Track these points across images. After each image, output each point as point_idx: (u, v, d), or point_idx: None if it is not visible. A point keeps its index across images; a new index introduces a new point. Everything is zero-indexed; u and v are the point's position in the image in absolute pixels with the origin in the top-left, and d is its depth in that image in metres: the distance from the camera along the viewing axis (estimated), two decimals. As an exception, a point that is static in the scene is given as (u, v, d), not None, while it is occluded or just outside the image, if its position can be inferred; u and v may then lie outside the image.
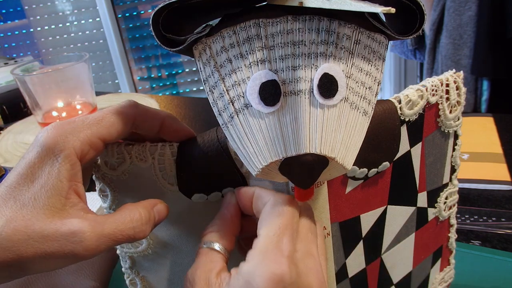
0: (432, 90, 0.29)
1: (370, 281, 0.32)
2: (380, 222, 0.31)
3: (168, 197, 0.28)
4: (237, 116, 0.22)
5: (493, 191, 0.53)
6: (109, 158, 0.27)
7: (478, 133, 0.65)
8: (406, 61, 1.98)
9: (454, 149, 0.32)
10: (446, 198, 0.34)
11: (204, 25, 0.24)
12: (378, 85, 0.23)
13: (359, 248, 0.30)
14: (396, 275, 0.34)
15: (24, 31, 2.15)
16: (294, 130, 0.21)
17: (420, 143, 0.30)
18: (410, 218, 0.32)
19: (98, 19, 2.14)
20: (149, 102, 0.93)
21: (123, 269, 0.32)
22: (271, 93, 0.21)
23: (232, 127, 0.23)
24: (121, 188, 0.28)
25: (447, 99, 0.30)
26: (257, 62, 0.22)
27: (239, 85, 0.22)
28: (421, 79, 1.49)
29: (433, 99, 0.29)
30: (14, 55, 1.98)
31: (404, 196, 0.31)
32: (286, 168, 0.22)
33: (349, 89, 0.22)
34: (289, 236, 0.22)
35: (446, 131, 0.31)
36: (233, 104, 0.23)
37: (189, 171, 0.27)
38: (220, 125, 0.24)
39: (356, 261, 0.31)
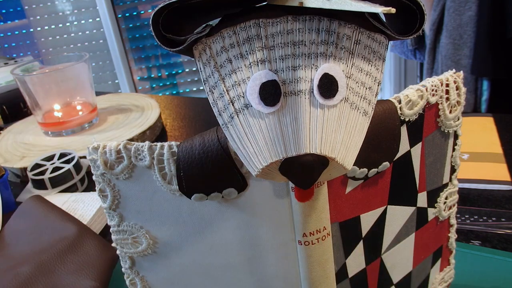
0: (432, 90, 0.29)
1: (370, 281, 0.32)
2: (380, 222, 0.31)
3: (167, 197, 0.28)
4: (237, 116, 0.22)
5: (493, 191, 0.53)
6: (108, 158, 0.27)
7: (478, 133, 0.65)
8: (406, 61, 1.99)
9: (454, 149, 0.32)
10: (446, 198, 0.34)
11: (204, 25, 0.24)
12: (378, 85, 0.23)
13: (359, 248, 0.30)
14: (396, 275, 0.34)
15: (24, 31, 2.15)
16: (294, 130, 0.21)
17: (420, 143, 0.30)
18: (410, 218, 0.32)
19: (98, 19, 2.14)
20: (149, 102, 0.93)
21: (123, 269, 0.32)
22: (271, 93, 0.21)
23: (232, 127, 0.23)
24: (120, 188, 0.28)
25: (447, 99, 0.30)
26: (257, 62, 0.22)
27: (239, 85, 0.22)
28: (421, 79, 1.49)
29: (433, 99, 0.29)
30: (14, 55, 1.98)
31: (404, 196, 0.31)
32: (286, 168, 0.22)
33: (349, 89, 0.22)
34: None
35: (446, 131, 0.31)
36: (233, 104, 0.23)
37: (189, 171, 0.27)
38: (220, 125, 0.24)
39: (356, 261, 0.31)
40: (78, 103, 0.86)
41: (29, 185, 0.66)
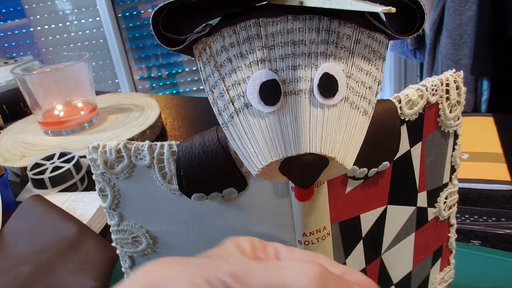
0: (432, 89, 0.29)
1: (370, 281, 0.32)
2: (380, 222, 0.31)
3: (167, 196, 0.28)
4: (237, 116, 0.22)
5: (493, 191, 0.53)
6: (108, 157, 0.27)
7: (478, 133, 0.65)
8: (406, 61, 1.99)
9: (454, 149, 0.32)
10: (446, 198, 0.34)
11: (204, 24, 0.24)
12: (378, 85, 0.23)
13: (359, 248, 0.30)
14: (396, 275, 0.34)
15: (24, 30, 2.15)
16: (294, 129, 0.21)
17: (420, 142, 0.30)
18: (410, 218, 0.32)
19: (98, 18, 2.14)
20: (149, 101, 0.93)
21: (123, 269, 0.32)
22: (271, 92, 0.21)
23: (232, 127, 0.23)
24: (120, 187, 0.28)
25: (447, 98, 0.30)
26: (257, 61, 0.22)
27: (239, 84, 0.22)
28: (421, 79, 1.49)
29: (433, 99, 0.29)
30: (14, 55, 1.98)
31: (404, 196, 0.31)
32: (286, 168, 0.22)
33: (349, 89, 0.22)
34: None
35: (446, 131, 0.31)
36: (233, 104, 0.22)
37: (189, 170, 0.27)
38: (220, 124, 0.24)
39: (356, 261, 0.31)
40: (78, 102, 0.86)
41: (29, 184, 0.66)
